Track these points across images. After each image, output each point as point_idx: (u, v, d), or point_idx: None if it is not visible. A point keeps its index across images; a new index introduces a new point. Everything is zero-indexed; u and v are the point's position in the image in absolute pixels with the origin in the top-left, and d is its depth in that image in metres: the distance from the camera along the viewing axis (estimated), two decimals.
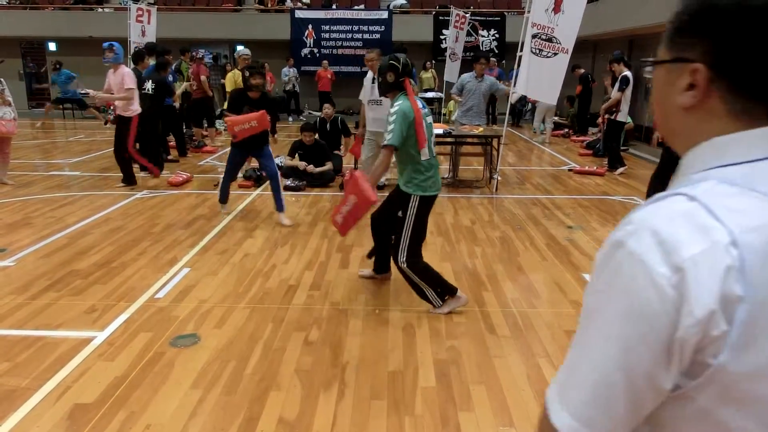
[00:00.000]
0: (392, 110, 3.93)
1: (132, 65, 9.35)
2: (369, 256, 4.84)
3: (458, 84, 8.67)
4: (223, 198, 6.54)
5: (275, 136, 6.49)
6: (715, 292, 0.71)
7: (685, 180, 0.83)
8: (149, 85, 8.65)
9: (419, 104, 4.00)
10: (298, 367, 3.37)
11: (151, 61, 9.62)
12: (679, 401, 0.78)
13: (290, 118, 16.34)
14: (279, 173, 6.45)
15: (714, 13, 0.79)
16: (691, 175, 0.82)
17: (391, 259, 4.26)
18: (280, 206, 6.26)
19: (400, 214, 4.11)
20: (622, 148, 10.16)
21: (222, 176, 6.63)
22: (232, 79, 8.47)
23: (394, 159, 4.04)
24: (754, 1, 0.76)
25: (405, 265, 4.03)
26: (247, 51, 8.71)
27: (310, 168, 8.12)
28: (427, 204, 4.06)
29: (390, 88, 4.05)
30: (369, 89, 6.97)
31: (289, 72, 16.02)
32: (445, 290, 4.14)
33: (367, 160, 6.93)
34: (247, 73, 6.11)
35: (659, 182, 6.78)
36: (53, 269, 4.91)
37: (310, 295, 4.43)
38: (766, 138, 0.78)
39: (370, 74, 7.01)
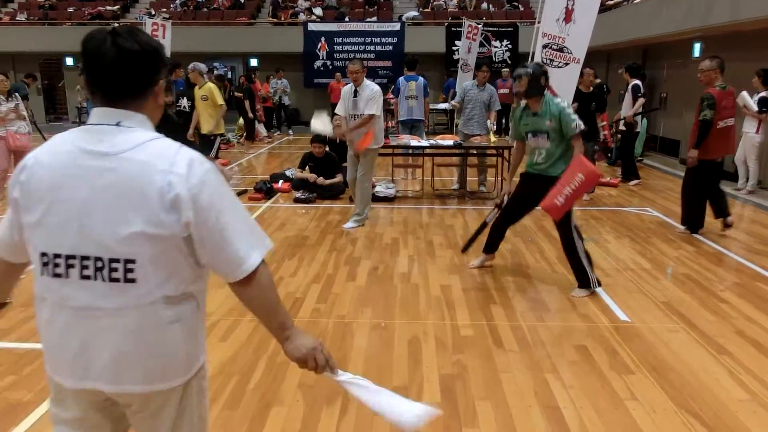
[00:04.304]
0: None
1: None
2: (464, 250, 5.52)
3: (460, 92, 8.58)
4: None
5: None
6: (15, 179, 1.47)
7: None
8: (185, 102, 8.69)
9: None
10: (301, 382, 3.33)
11: None
12: None
13: (291, 131, 16.42)
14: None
15: None
16: None
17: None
18: None
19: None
20: (637, 159, 10.03)
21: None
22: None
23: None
24: None
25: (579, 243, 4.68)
26: (202, 66, 8.35)
27: (320, 180, 8.12)
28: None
29: None
30: (350, 102, 6.43)
31: (277, 84, 15.95)
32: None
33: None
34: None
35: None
36: None
37: (316, 308, 4.40)
38: (97, 113, 1.46)
39: (350, 86, 6.45)
